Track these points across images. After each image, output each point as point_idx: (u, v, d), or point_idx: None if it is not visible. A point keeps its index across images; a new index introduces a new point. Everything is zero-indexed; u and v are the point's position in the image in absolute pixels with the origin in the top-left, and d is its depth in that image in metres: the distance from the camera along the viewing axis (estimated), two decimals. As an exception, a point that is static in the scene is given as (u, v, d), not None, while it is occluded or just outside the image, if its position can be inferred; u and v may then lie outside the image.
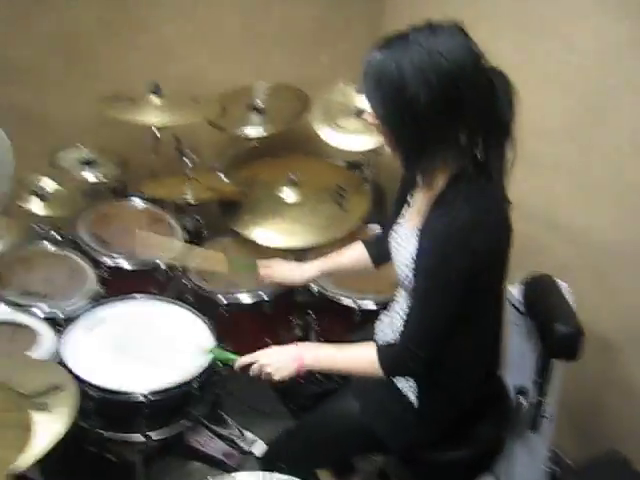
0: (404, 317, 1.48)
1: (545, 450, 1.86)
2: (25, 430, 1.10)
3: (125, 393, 1.62)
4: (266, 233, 2.29)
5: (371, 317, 1.76)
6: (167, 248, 1.95)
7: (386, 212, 2.90)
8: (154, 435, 1.70)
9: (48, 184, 2.16)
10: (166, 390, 1.64)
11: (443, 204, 1.30)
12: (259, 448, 2.19)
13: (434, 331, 1.34)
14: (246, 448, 2.21)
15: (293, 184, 2.40)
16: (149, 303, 1.95)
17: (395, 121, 1.26)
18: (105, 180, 2.31)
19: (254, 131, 2.51)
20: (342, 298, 2.08)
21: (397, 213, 1.53)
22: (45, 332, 1.78)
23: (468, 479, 1.72)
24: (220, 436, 2.23)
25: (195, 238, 2.41)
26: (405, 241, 1.41)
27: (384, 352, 1.39)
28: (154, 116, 2.20)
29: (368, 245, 1.77)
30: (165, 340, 1.81)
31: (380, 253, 1.66)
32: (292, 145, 2.72)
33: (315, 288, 2.14)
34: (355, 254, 1.79)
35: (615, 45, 1.77)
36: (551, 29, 1.95)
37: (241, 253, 2.30)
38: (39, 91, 2.40)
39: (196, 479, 2.09)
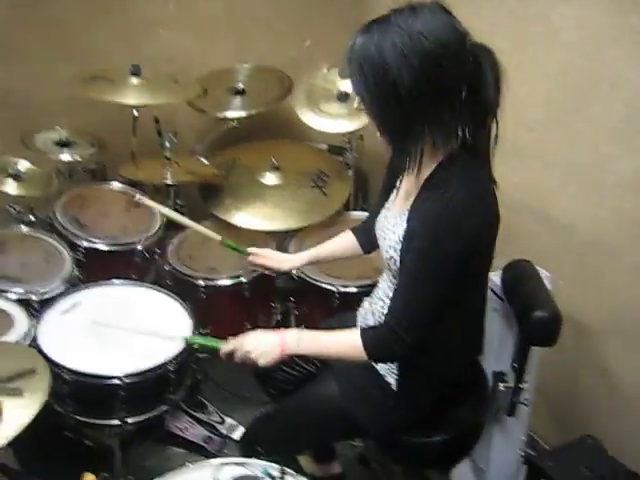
0: (387, 302, 1.47)
1: (522, 435, 1.87)
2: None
3: (100, 376, 1.60)
4: (247, 217, 2.28)
5: (351, 303, 1.75)
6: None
7: (368, 198, 2.89)
8: (131, 419, 1.68)
9: (23, 165, 2.13)
10: (142, 373, 1.63)
11: (434, 186, 1.29)
12: (239, 433, 2.18)
13: (421, 314, 1.32)
14: (226, 433, 2.20)
15: (274, 168, 2.39)
16: (127, 287, 1.93)
17: (380, 105, 1.25)
18: (80, 159, 2.27)
19: (235, 114, 2.48)
20: (322, 283, 2.08)
21: (384, 198, 1.52)
22: (20, 316, 1.76)
23: (447, 463, 1.74)
24: (200, 422, 2.23)
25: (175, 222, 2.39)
26: (393, 225, 1.40)
27: (368, 335, 1.37)
28: (133, 97, 2.17)
29: (357, 232, 1.76)
30: (142, 324, 1.79)
31: (369, 240, 1.65)
32: (274, 128, 2.70)
33: (295, 272, 2.13)
34: (344, 242, 1.77)
35: (598, 35, 1.76)
36: (534, 18, 1.94)
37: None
38: (16, 72, 2.36)
39: (175, 464, 2.07)
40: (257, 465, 1.33)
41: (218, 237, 1.87)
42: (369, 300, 1.62)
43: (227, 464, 1.34)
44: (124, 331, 1.71)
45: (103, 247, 2.10)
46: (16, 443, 1.25)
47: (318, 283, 2.08)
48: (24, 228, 2.10)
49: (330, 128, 2.36)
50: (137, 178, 2.27)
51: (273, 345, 1.41)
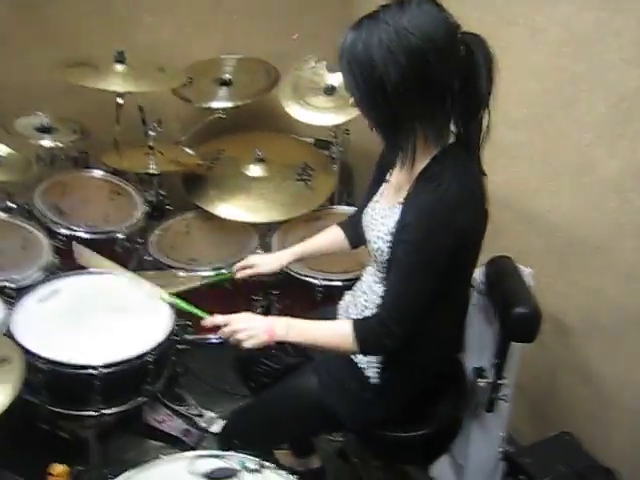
0: (371, 295, 1.48)
1: (501, 431, 1.87)
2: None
3: (76, 366, 1.57)
4: (230, 209, 2.27)
5: (334, 297, 1.74)
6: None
7: (353, 193, 2.89)
8: (107, 411, 1.65)
9: (2, 149, 2.09)
10: (119, 363, 1.60)
11: (429, 179, 1.29)
12: (218, 427, 2.17)
13: (412, 307, 1.32)
14: (205, 427, 2.19)
15: (259, 160, 2.37)
16: (106, 276, 1.90)
17: (369, 101, 1.26)
18: (62, 145, 2.23)
19: (221, 104, 2.46)
20: (304, 276, 2.07)
21: (373, 191, 1.52)
22: (-5, 303, 1.73)
23: (425, 458, 1.74)
24: (179, 414, 2.21)
25: (158, 212, 2.37)
26: (382, 216, 1.40)
27: (359, 327, 1.36)
28: (117, 84, 2.14)
29: (345, 227, 1.75)
30: (121, 313, 1.76)
31: (357, 234, 1.65)
32: (259, 120, 2.68)
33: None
34: (330, 237, 1.77)
35: (582, 36, 1.76)
36: (519, 19, 1.94)
37: (212, 234, 2.28)
38: (-1, 55, 2.32)
39: (153, 457, 2.05)
40: (234, 458, 1.32)
41: (197, 283, 1.83)
42: (351, 293, 1.62)
43: (203, 456, 1.33)
44: (103, 320, 1.69)
45: (83, 235, 2.07)
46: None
47: (301, 276, 2.07)
48: (2, 214, 2.05)
49: (316, 121, 2.35)
50: (120, 166, 2.25)
51: (262, 329, 1.39)
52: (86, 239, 2.07)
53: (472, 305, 1.74)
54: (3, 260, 1.91)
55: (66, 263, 1.96)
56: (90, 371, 1.58)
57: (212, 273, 1.77)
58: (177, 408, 2.21)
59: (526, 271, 1.74)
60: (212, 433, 2.16)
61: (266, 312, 2.28)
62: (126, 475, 1.28)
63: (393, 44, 1.17)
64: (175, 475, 1.29)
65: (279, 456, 1.83)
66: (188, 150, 2.40)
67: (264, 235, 2.29)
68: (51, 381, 1.60)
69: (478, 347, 1.77)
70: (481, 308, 1.76)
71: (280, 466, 1.32)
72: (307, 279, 2.06)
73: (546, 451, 1.69)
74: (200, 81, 2.50)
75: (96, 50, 2.29)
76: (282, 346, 1.70)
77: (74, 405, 1.65)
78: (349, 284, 1.95)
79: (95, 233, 2.10)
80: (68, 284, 1.84)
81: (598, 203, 1.78)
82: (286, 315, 2.10)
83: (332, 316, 1.62)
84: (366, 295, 1.50)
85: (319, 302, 2.03)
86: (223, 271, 1.92)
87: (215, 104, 2.45)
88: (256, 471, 1.29)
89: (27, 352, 1.55)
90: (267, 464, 1.30)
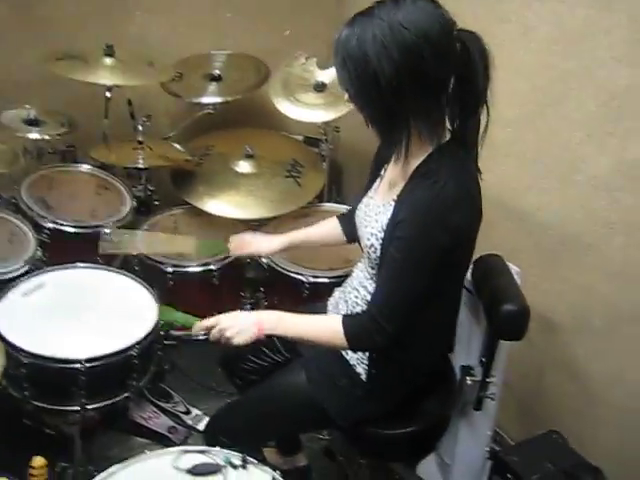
0: (361, 291, 1.47)
1: (488, 430, 1.87)
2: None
3: (60, 360, 1.55)
4: (219, 205, 2.25)
5: (321, 294, 1.73)
6: (131, 240, 1.87)
7: (342, 191, 2.88)
8: (91, 406, 1.63)
9: (-13, 141, 2.07)
10: (104, 357, 1.58)
11: (424, 176, 1.28)
12: (204, 424, 2.15)
13: (403, 304, 1.31)
14: (191, 424, 2.17)
15: (248, 156, 2.36)
16: (92, 270, 1.88)
17: (363, 97, 1.26)
18: (49, 138, 2.21)
19: (210, 100, 2.45)
20: (292, 273, 2.06)
21: (369, 187, 1.51)
22: (-21, 297, 1.70)
23: (412, 456, 1.74)
24: (165, 411, 2.19)
25: (145, 208, 2.35)
26: (376, 213, 1.39)
27: (349, 322, 1.35)
28: (106, 77, 2.13)
29: (342, 220, 1.74)
30: (106, 308, 1.75)
31: (353, 229, 1.64)
32: (249, 117, 2.67)
33: (265, 261, 2.11)
34: (326, 228, 1.76)
35: (572, 34, 1.76)
36: (510, 16, 1.93)
37: (201, 229, 2.26)
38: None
39: (139, 454, 2.05)
40: (219, 453, 1.31)
41: (192, 250, 1.83)
42: (341, 289, 1.61)
43: (188, 452, 1.32)
44: (88, 314, 1.67)
45: (69, 229, 2.05)
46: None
47: (288, 273, 2.06)
48: (-13, 207, 2.04)
49: (306, 117, 2.34)
50: (108, 161, 2.22)
51: (250, 323, 1.38)
52: (71, 233, 2.04)
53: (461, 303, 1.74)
54: (-10, 253, 1.89)
55: (51, 257, 1.94)
56: (74, 365, 1.56)
57: (208, 241, 1.76)
58: (163, 405, 2.19)
59: (514, 269, 1.74)
60: (198, 430, 2.14)
61: (254, 309, 2.27)
62: (111, 470, 1.27)
63: (387, 39, 1.17)
64: (160, 470, 1.28)
65: (265, 454, 1.82)
66: (177, 146, 2.38)
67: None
68: (35, 375, 1.58)
69: (466, 345, 1.77)
70: (469, 306, 1.76)
71: (265, 463, 1.31)
72: (294, 276, 2.05)
73: (533, 449, 1.69)
74: (190, 76, 2.49)
75: (86, 43, 2.28)
76: (270, 343, 1.70)
77: (58, 400, 1.63)
78: (336, 281, 1.95)
79: (82, 227, 2.07)
80: (53, 278, 1.82)
81: (588, 201, 1.78)
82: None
83: (321, 312, 1.60)
84: (357, 291, 1.49)
85: (305, 299, 2.02)
86: (220, 241, 1.90)
87: (205, 99, 2.44)
88: (240, 467, 1.28)
89: (11, 346, 1.53)
90: (251, 460, 1.29)
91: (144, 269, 2.10)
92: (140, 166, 2.16)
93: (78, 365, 1.55)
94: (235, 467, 1.28)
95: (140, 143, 2.19)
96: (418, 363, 1.48)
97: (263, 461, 1.32)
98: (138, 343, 1.64)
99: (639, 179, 1.64)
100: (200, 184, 2.31)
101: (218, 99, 2.44)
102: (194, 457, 1.30)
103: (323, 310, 1.62)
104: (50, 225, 2.03)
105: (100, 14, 2.44)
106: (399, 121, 1.26)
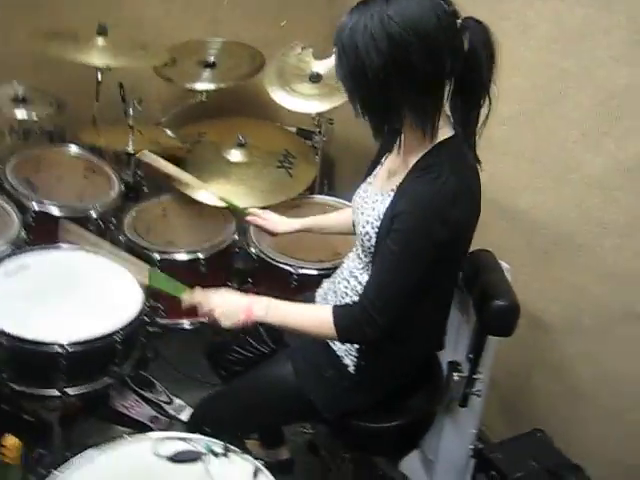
0: (352, 282, 1.45)
1: (473, 427, 1.86)
2: None
3: (41, 342, 1.52)
4: (209, 193, 2.22)
5: (309, 286, 1.71)
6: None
7: (334, 184, 2.87)
8: (71, 391, 1.60)
9: (-29, 118, 2.03)
10: (86, 342, 1.55)
11: (425, 170, 1.27)
12: (187, 415, 2.12)
13: (396, 297, 1.29)
14: (173, 414, 2.14)
15: (240, 145, 2.34)
16: (77, 253, 1.84)
17: (352, 86, 1.25)
18: (36, 117, 2.16)
19: (204, 86, 2.41)
20: (280, 263, 2.04)
21: (369, 173, 1.50)
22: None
23: (396, 451, 1.72)
24: (147, 400, 2.16)
25: (134, 193, 2.32)
26: (373, 201, 1.37)
27: (340, 313, 1.33)
28: (97, 57, 2.08)
29: None
30: (91, 292, 1.71)
31: None
32: (242, 106, 2.65)
33: (254, 251, 2.09)
34: (341, 217, 1.75)
35: (572, 33, 1.76)
36: (511, 13, 1.92)
37: (190, 218, 2.24)
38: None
39: (117, 441, 2.02)
40: (200, 441, 1.29)
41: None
42: (331, 280, 1.59)
43: (169, 438, 1.29)
44: (72, 297, 1.64)
45: (55, 211, 2.01)
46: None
47: (276, 264, 2.04)
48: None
49: (300, 108, 2.32)
50: (97, 144, 2.19)
51: (239, 308, 1.37)
52: (58, 216, 2.01)
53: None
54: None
55: (36, 239, 1.90)
56: (56, 349, 1.52)
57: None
58: (146, 394, 2.16)
59: (504, 266, 1.72)
60: (181, 420, 2.11)
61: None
62: (87, 454, 1.24)
63: (376, 31, 1.17)
64: (139, 456, 1.26)
65: (248, 446, 1.80)
66: (168, 131, 2.35)
67: (242, 221, 2.25)
68: (15, 358, 1.55)
69: (454, 341, 1.76)
70: (458, 301, 1.74)
71: (247, 452, 1.29)
72: (282, 267, 2.03)
73: (518, 447, 1.69)
74: (184, 62, 2.45)
75: (79, 22, 2.24)
76: (256, 334, 1.68)
77: (38, 384, 1.59)
78: (324, 273, 1.94)
79: (68, 210, 2.03)
80: (37, 260, 1.78)
81: (581, 201, 1.78)
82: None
83: (309, 302, 1.59)
84: (347, 282, 1.47)
85: (293, 291, 2.00)
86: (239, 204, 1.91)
87: (198, 85, 2.41)
88: (222, 455, 1.26)
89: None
90: (233, 448, 1.27)
91: (130, 254, 2.06)
92: (130, 151, 2.13)
93: (59, 348, 1.52)
94: (217, 455, 1.26)
95: (131, 127, 2.16)
96: (408, 357, 1.47)
97: (246, 451, 1.29)
98: (122, 328, 1.61)
99: (634, 179, 1.64)
100: (190, 171, 2.25)
101: (211, 85, 2.40)
102: (175, 444, 1.28)
103: (311, 300, 1.61)
104: (35, 206, 1.99)
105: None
106: (388, 112, 1.26)
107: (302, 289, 1.88)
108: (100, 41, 2.13)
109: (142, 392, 2.15)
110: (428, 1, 1.19)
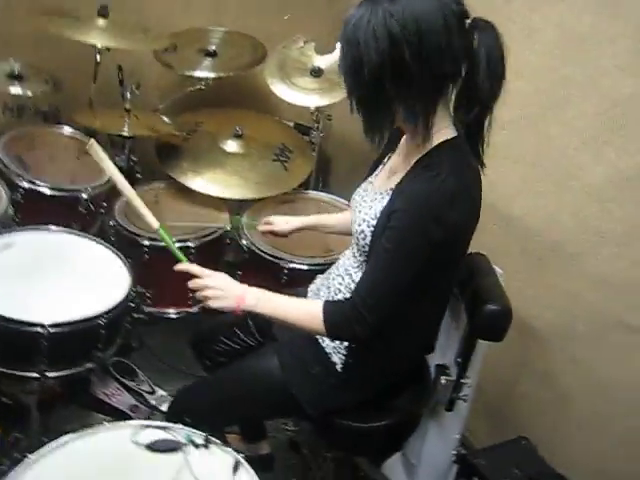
0: (346, 278, 1.43)
1: (457, 433, 1.84)
2: None
3: (22, 322, 1.48)
4: (203, 182, 2.21)
5: (300, 281, 1.70)
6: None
7: (329, 182, 2.85)
8: (51, 374, 1.57)
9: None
10: (69, 324, 1.52)
11: (425, 168, 1.25)
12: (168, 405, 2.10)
13: (388, 296, 1.27)
14: (155, 404, 2.11)
15: (237, 136, 2.32)
16: (65, 235, 1.81)
17: (348, 79, 1.24)
18: (31, 94, 2.12)
19: (203, 74, 2.39)
20: (271, 257, 2.02)
21: (371, 173, 1.49)
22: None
23: (380, 452, 1.71)
24: (129, 389, 2.13)
25: (127, 178, 2.28)
26: (372, 199, 1.36)
27: (331, 308, 1.31)
28: (97, 37, 2.05)
29: None
30: (77, 274, 1.68)
31: None
32: (241, 97, 2.63)
33: (245, 242, 2.07)
34: (344, 217, 1.73)
35: (577, 39, 1.75)
36: (516, 17, 1.91)
37: (182, 206, 2.23)
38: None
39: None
40: (180, 431, 1.26)
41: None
42: (324, 276, 1.57)
43: (149, 427, 1.27)
44: (57, 279, 1.60)
45: (45, 191, 1.98)
46: None
47: (267, 257, 2.02)
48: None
49: (300, 101, 2.30)
50: (92, 126, 2.15)
51: (233, 294, 1.36)
52: (47, 195, 1.97)
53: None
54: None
55: (24, 218, 1.86)
56: (37, 329, 1.49)
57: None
58: (127, 383, 2.14)
59: (497, 271, 1.71)
60: (161, 411, 2.08)
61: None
62: (63, 440, 1.21)
63: (378, 28, 1.15)
64: (117, 444, 1.23)
65: (228, 439, 1.78)
66: (165, 118, 2.32)
67: (233, 211, 2.23)
68: (-6, 337, 1.51)
69: (443, 345, 1.73)
70: (449, 305, 1.73)
71: (228, 445, 1.26)
72: (273, 260, 2.01)
73: (501, 454, 1.67)
74: (185, 49, 2.43)
75: (80, 2, 2.20)
76: (244, 325, 1.66)
77: (17, 365, 1.55)
78: (315, 269, 1.92)
79: (59, 190, 2.00)
80: (23, 239, 1.75)
81: (578, 209, 1.76)
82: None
83: (301, 296, 1.56)
84: (341, 278, 1.45)
85: (284, 285, 1.98)
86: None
87: (198, 73, 2.38)
88: (202, 446, 1.23)
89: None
90: (214, 440, 1.24)
91: (120, 240, 2.04)
92: (125, 134, 2.09)
93: (41, 329, 1.49)
94: (197, 446, 1.23)
95: (127, 111, 2.12)
96: (397, 358, 1.45)
97: (226, 444, 1.27)
98: (107, 312, 1.58)
99: (634, 188, 1.63)
100: (185, 160, 2.26)
101: (211, 74, 2.38)
102: (155, 433, 1.25)
103: (303, 295, 1.59)
104: (26, 185, 1.96)
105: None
106: (380, 110, 1.24)
107: (292, 284, 1.86)
108: (101, 22, 2.10)
109: (124, 380, 2.13)
110: (435, 3, 1.17)
